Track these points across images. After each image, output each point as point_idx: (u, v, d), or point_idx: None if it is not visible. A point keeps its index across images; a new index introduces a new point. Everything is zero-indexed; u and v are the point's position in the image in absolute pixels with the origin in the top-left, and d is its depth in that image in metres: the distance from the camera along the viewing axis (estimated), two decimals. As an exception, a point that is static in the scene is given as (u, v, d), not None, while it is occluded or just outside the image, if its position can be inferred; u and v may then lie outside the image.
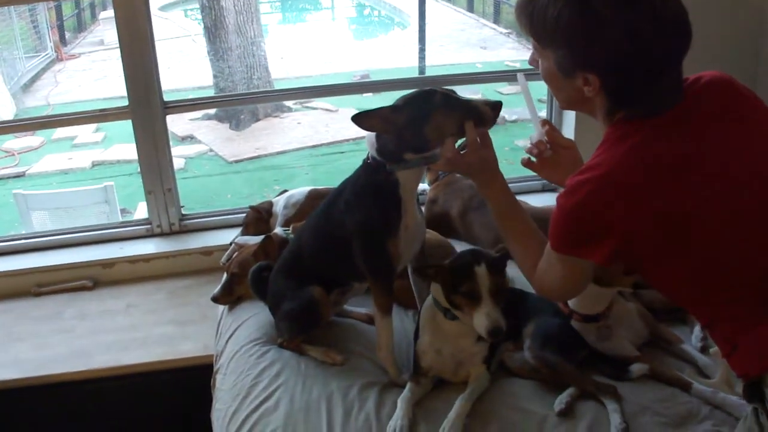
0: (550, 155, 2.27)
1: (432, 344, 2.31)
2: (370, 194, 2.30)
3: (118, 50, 3.48)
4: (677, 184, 1.75)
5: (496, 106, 2.16)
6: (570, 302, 2.44)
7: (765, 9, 3.62)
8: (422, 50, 10.53)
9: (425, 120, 2.16)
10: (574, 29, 1.76)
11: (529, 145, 2.29)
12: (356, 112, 2.18)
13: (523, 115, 11.05)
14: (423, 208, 3.22)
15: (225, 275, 2.95)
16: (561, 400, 2.20)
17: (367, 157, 2.33)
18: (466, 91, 2.38)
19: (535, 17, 1.84)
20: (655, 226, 1.75)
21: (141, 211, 6.27)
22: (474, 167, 2.15)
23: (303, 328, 2.53)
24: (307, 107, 11.00)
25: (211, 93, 10.82)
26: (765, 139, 1.85)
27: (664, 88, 1.80)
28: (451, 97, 2.18)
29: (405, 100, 2.22)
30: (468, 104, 2.16)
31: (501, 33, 14.74)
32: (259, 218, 3.37)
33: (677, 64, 1.79)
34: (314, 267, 2.51)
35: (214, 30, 10.50)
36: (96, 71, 13.43)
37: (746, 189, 1.78)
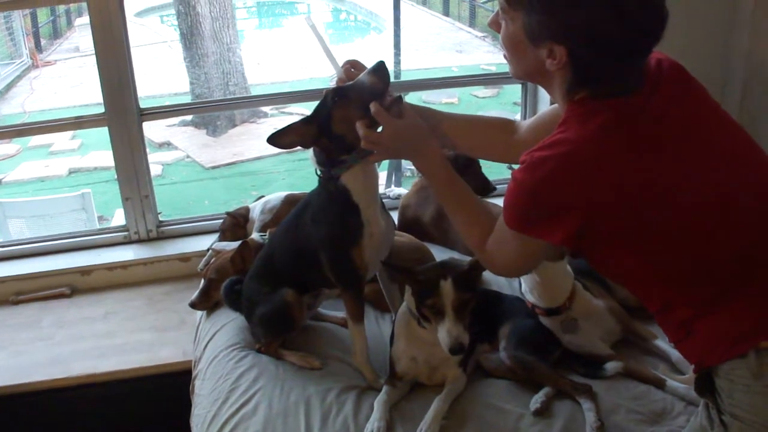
0: None
1: (406, 351, 2.32)
2: (330, 207, 2.32)
3: (94, 57, 3.48)
4: (647, 164, 1.73)
5: (378, 68, 2.14)
6: (530, 297, 2.46)
7: (734, 6, 3.66)
8: (397, 55, 10.54)
9: (329, 120, 2.18)
10: None
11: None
12: (270, 134, 2.21)
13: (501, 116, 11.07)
14: (396, 213, 3.25)
15: (202, 281, 2.96)
16: (536, 400, 2.22)
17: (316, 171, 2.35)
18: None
19: None
20: (623, 205, 1.73)
21: (118, 218, 6.27)
22: (399, 139, 2.09)
23: (278, 332, 2.54)
24: (284, 113, 10.99)
25: (187, 99, 10.78)
26: (719, 127, 1.86)
27: (631, 72, 1.77)
28: (339, 89, 2.19)
29: (313, 111, 2.24)
30: (354, 86, 2.16)
31: (476, 36, 14.78)
32: (235, 224, 3.38)
33: (650, 49, 1.76)
34: (286, 273, 2.52)
35: (190, 36, 10.48)
36: (72, 78, 13.36)
37: (713, 174, 1.78)
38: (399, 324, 2.35)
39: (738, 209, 1.79)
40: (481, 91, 11.94)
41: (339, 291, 2.45)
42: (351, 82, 2.18)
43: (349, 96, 2.16)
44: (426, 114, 2.28)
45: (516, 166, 1.85)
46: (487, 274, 2.85)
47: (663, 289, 1.86)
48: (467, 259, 2.42)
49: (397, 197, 3.64)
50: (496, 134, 2.35)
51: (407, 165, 2.99)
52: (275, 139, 2.22)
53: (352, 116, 2.14)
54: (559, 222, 1.76)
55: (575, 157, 1.73)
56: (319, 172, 2.33)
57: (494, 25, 1.92)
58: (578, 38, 1.72)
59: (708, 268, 1.79)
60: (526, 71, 1.91)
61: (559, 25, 1.72)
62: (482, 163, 3.16)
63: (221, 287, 2.80)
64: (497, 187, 3.35)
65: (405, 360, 2.32)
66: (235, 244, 2.97)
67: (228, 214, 3.40)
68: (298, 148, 2.27)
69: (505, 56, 1.95)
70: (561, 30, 1.73)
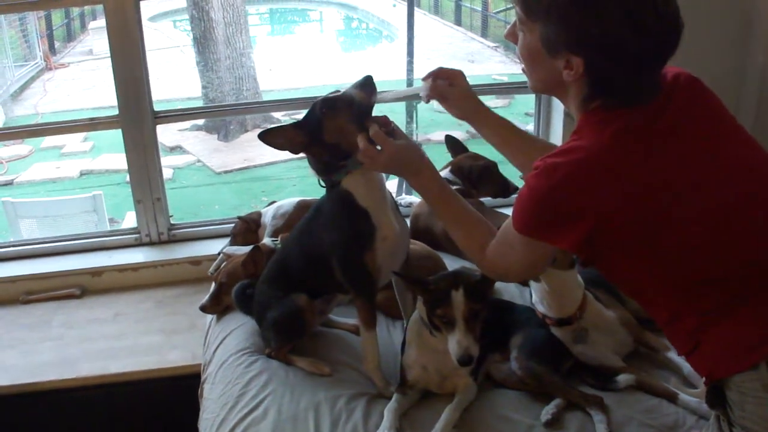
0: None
1: (418, 359, 2.31)
2: (340, 212, 2.32)
3: (108, 60, 3.49)
4: (658, 172, 1.74)
5: (365, 83, 2.19)
6: (540, 307, 2.45)
7: (751, 16, 3.65)
8: (410, 63, 10.54)
9: (320, 131, 2.22)
10: (576, 5, 1.70)
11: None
12: (263, 129, 2.24)
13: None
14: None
15: (213, 285, 2.95)
16: (547, 411, 2.20)
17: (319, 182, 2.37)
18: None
19: None
20: (633, 213, 1.73)
21: (129, 221, 6.28)
22: (396, 159, 2.12)
23: (289, 337, 2.53)
24: (295, 119, 10.93)
25: (199, 104, 10.83)
26: (733, 139, 1.87)
27: (646, 82, 1.78)
28: (328, 99, 2.23)
29: (302, 118, 2.28)
30: (343, 98, 2.20)
31: (488, 47, 14.82)
32: (247, 229, 3.38)
33: (665, 60, 1.77)
34: (300, 278, 2.51)
35: (203, 41, 10.53)
36: (85, 81, 13.44)
37: (722, 184, 1.78)
38: (411, 332, 2.35)
39: (748, 219, 1.79)
40: (492, 101, 11.93)
41: (352, 296, 2.44)
42: (339, 94, 2.22)
43: (337, 107, 2.20)
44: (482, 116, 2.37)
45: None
46: (498, 283, 2.85)
47: (671, 298, 1.86)
48: (478, 268, 2.40)
49: (409, 205, 3.63)
50: None
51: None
52: (265, 136, 2.25)
53: (342, 126, 2.19)
54: (571, 228, 1.77)
55: (588, 163, 1.74)
56: (321, 182, 2.35)
57: (511, 37, 1.93)
58: (595, 49, 1.72)
59: (717, 276, 1.79)
60: (543, 82, 1.92)
61: (577, 36, 1.73)
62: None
63: (232, 291, 2.80)
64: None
65: (416, 368, 2.31)
66: (246, 249, 2.96)
67: (240, 218, 3.40)
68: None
69: (523, 70, 1.96)
70: (578, 41, 1.73)
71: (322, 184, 2.35)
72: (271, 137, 2.25)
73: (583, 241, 1.77)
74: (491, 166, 3.24)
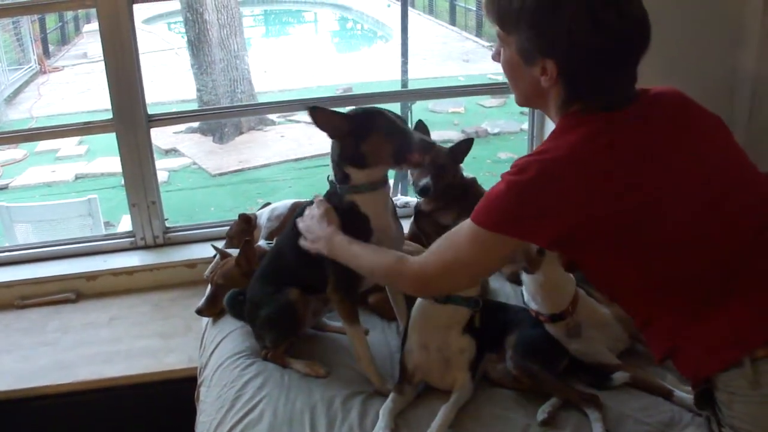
0: None
1: (419, 341, 2.31)
2: (339, 212, 2.33)
3: (102, 63, 3.48)
4: (630, 173, 1.77)
5: (427, 148, 2.24)
6: (533, 305, 2.44)
7: (742, 20, 3.66)
8: (405, 63, 10.56)
9: (364, 137, 2.24)
10: (541, 7, 1.77)
11: None
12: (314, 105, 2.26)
13: (506, 128, 11.09)
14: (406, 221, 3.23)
15: (209, 287, 2.95)
16: (543, 410, 2.20)
17: (329, 176, 2.39)
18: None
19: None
20: (602, 211, 1.76)
21: (124, 224, 6.27)
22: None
23: (283, 333, 2.53)
24: (290, 120, 11.01)
25: (194, 106, 10.81)
26: (710, 145, 1.89)
27: (618, 84, 1.82)
28: (395, 124, 2.25)
29: (356, 111, 2.30)
30: (405, 136, 2.23)
31: (483, 46, 14.81)
32: (244, 230, 3.36)
33: (633, 62, 1.81)
34: (294, 274, 2.51)
35: (197, 43, 10.53)
36: (79, 84, 13.44)
37: (692, 187, 1.81)
38: (414, 315, 2.35)
39: (721, 219, 1.81)
40: (487, 100, 11.97)
41: (328, 292, 2.43)
42: (406, 129, 2.26)
43: (394, 137, 2.24)
44: None
45: None
46: (494, 284, 2.86)
47: (646, 297, 1.89)
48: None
49: (405, 205, 3.63)
50: None
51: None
52: (315, 114, 2.25)
53: (383, 152, 2.25)
54: (545, 224, 1.80)
55: (559, 163, 1.78)
56: (330, 178, 2.37)
57: (497, 56, 1.99)
58: (564, 50, 1.78)
59: (691, 275, 1.81)
60: (525, 95, 1.99)
61: (545, 39, 1.80)
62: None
63: (224, 297, 2.80)
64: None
65: (417, 351, 2.31)
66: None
67: (241, 215, 3.37)
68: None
69: (509, 85, 2.02)
70: (548, 43, 1.80)
71: (330, 179, 2.38)
72: (321, 115, 2.25)
73: (555, 239, 1.81)
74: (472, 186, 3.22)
